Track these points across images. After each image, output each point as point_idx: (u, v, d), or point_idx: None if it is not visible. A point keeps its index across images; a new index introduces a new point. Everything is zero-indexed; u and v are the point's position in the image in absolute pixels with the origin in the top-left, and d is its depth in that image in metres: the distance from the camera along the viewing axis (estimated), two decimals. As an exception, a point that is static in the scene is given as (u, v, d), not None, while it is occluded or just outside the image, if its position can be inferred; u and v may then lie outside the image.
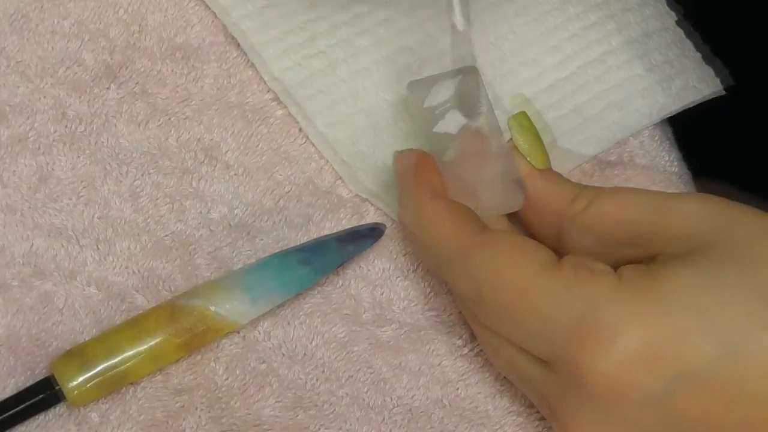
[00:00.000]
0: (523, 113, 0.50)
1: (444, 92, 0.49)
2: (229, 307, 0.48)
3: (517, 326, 0.45)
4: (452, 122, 0.49)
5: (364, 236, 0.50)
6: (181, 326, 0.48)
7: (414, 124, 0.52)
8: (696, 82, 0.56)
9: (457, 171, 0.48)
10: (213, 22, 0.55)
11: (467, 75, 0.49)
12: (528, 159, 0.49)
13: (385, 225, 0.51)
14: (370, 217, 0.52)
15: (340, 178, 0.52)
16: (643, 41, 0.56)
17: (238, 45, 0.54)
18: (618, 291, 0.43)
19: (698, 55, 0.57)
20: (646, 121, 0.55)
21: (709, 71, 0.56)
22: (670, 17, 0.57)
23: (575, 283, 0.43)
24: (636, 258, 0.46)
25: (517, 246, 0.45)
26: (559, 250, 0.47)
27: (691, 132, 0.56)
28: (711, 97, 0.56)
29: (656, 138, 0.55)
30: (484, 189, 0.48)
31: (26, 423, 0.48)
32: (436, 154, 0.48)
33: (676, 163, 0.55)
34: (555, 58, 0.55)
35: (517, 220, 0.50)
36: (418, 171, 0.48)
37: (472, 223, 0.46)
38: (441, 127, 0.49)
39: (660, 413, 0.42)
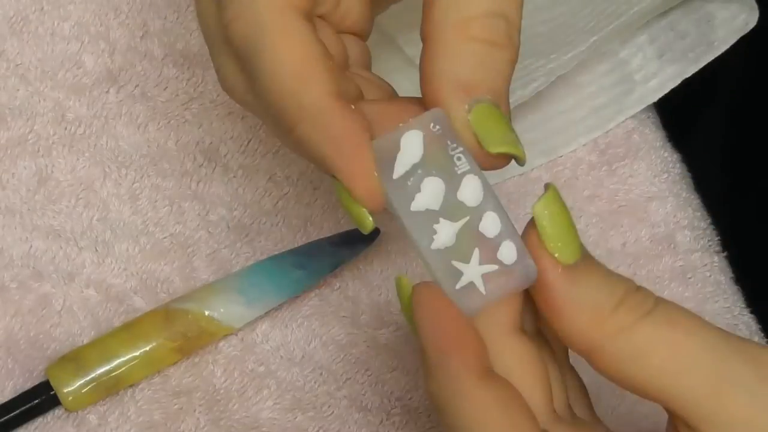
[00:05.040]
0: (553, 192, 0.37)
1: (411, 152, 0.37)
2: (224, 311, 0.48)
3: None
4: (432, 193, 0.37)
5: (359, 239, 0.50)
6: (176, 330, 0.48)
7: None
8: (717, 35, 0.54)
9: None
10: (215, 27, 0.55)
11: (432, 121, 0.37)
12: (554, 247, 0.36)
13: (379, 228, 0.51)
14: (368, 217, 0.52)
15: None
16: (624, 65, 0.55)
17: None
18: None
19: None
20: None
21: (733, 9, 0.54)
22: None
23: None
24: (682, 416, 0.37)
25: None
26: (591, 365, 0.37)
27: (688, 132, 0.56)
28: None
29: (658, 138, 0.55)
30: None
31: (24, 426, 0.48)
32: (422, 241, 0.36)
33: (678, 165, 0.55)
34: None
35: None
36: (453, 333, 0.36)
37: (526, 424, 0.36)
38: (419, 203, 0.36)
39: None
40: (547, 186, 0.37)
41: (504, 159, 0.37)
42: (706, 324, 0.37)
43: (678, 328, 0.36)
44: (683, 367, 0.36)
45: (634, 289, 0.37)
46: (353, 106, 0.36)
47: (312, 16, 0.37)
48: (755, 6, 0.53)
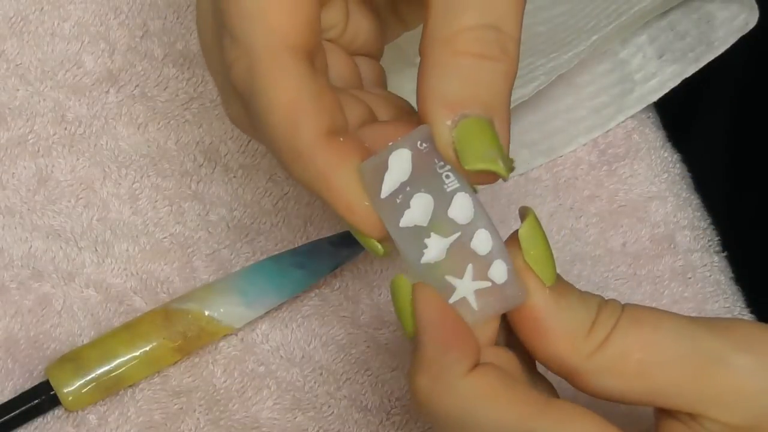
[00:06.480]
0: (533, 216, 0.38)
1: (399, 170, 0.37)
2: (224, 311, 0.48)
3: None
4: (421, 210, 0.37)
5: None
6: (176, 330, 0.48)
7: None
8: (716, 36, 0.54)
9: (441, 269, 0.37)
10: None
11: (419, 139, 0.37)
12: (538, 270, 0.37)
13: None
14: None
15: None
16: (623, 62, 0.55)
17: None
18: None
19: None
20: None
21: (733, 9, 0.54)
22: None
23: None
24: (674, 408, 0.38)
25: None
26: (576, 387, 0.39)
27: (688, 132, 0.56)
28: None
29: (658, 138, 0.55)
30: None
31: (24, 426, 0.48)
32: (412, 255, 0.37)
33: (678, 165, 0.55)
34: None
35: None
36: (455, 328, 0.37)
37: (530, 392, 0.37)
38: (408, 220, 0.37)
39: None
40: (525, 210, 0.38)
41: (486, 175, 0.36)
42: (672, 315, 0.38)
43: (645, 328, 0.37)
44: (659, 361, 0.37)
45: (604, 304, 0.38)
46: (342, 139, 0.36)
47: (313, 52, 0.37)
48: (755, 6, 0.53)
